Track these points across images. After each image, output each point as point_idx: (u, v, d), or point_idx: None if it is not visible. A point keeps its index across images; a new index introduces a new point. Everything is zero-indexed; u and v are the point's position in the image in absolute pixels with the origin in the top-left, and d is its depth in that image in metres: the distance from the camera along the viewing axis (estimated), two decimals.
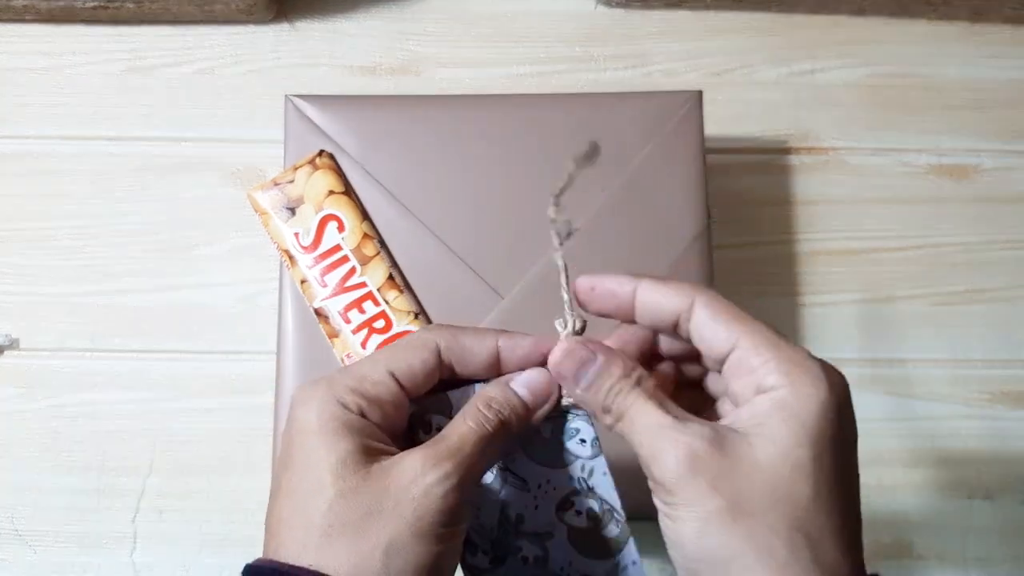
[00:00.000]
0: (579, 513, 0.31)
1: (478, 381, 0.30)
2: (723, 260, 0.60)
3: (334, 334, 0.49)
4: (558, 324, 0.30)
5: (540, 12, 0.64)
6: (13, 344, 0.58)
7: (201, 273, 0.59)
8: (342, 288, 0.49)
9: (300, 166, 0.50)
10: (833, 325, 0.60)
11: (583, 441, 0.31)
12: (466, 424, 0.28)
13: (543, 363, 0.30)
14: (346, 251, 0.49)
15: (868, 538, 0.59)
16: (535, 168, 0.51)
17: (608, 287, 0.29)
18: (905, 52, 0.64)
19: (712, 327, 0.27)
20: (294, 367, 0.49)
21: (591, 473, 0.31)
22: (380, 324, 0.48)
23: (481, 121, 0.51)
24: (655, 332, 0.30)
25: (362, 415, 0.27)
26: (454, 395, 0.30)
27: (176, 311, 0.59)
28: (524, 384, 0.29)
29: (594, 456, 0.31)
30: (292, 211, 0.50)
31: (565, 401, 0.30)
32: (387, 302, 0.49)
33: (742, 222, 0.61)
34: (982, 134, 0.63)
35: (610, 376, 0.28)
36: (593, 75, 0.63)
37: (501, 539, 0.31)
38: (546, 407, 0.30)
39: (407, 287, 0.50)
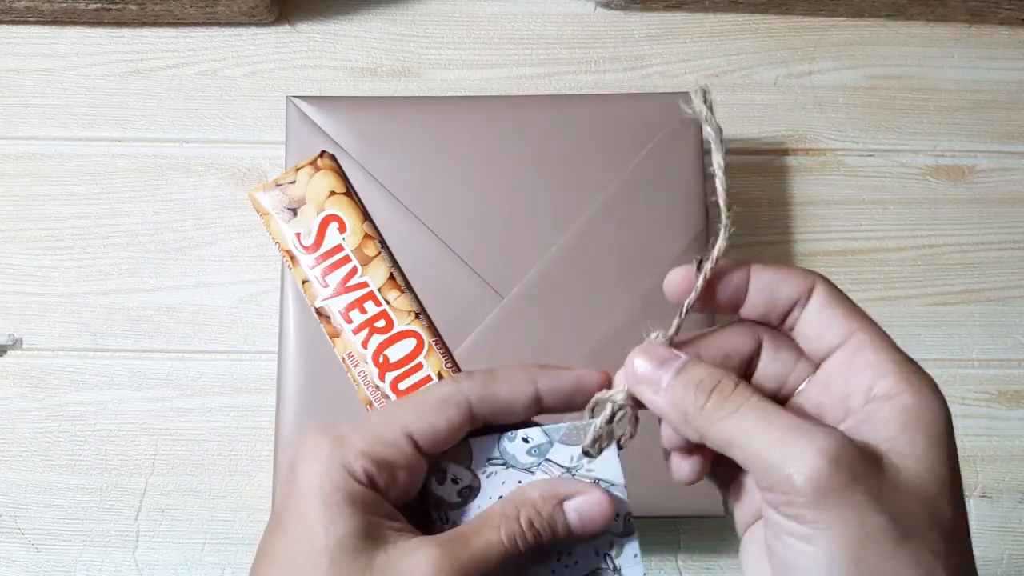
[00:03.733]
0: None
1: (507, 433, 0.27)
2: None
3: (335, 334, 0.49)
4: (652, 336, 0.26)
5: (540, 14, 0.64)
6: (16, 344, 0.58)
7: (203, 273, 0.59)
8: (343, 288, 0.49)
9: (302, 167, 0.50)
10: None
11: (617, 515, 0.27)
12: (497, 534, 0.24)
13: (587, 399, 0.27)
14: (347, 251, 0.50)
15: None
16: (535, 169, 0.51)
17: (720, 268, 0.25)
18: (902, 54, 0.64)
19: (828, 314, 0.24)
20: (295, 367, 0.50)
21: (621, 550, 0.27)
22: (381, 324, 0.49)
23: (481, 122, 0.51)
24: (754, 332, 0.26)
25: (371, 483, 0.24)
26: (476, 444, 0.27)
27: (178, 311, 0.59)
28: (577, 509, 0.26)
29: (626, 534, 0.27)
30: (294, 212, 0.50)
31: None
32: (388, 302, 0.49)
33: (740, 223, 0.60)
34: (979, 135, 0.63)
35: (705, 369, 0.24)
36: (592, 77, 0.63)
37: None
38: (591, 535, 0.26)
39: (408, 287, 0.50)
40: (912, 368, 0.24)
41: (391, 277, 0.50)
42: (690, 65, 0.64)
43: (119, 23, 0.63)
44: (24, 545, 0.56)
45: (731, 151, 0.63)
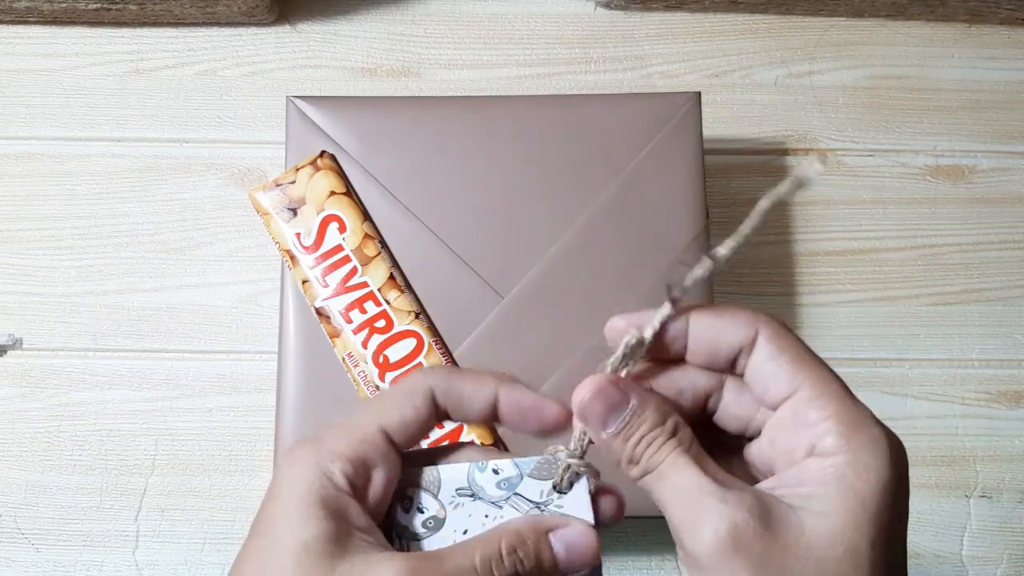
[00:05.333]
0: None
1: (476, 463, 0.26)
2: None
3: (335, 334, 0.49)
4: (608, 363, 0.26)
5: (540, 14, 0.64)
6: (16, 344, 0.58)
7: (203, 273, 0.59)
8: (343, 288, 0.49)
9: (302, 167, 0.50)
10: (831, 325, 0.60)
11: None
12: (471, 559, 0.24)
13: (542, 425, 0.26)
14: (347, 251, 0.50)
15: None
16: (535, 169, 0.51)
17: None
18: (902, 54, 0.64)
19: (774, 366, 0.24)
20: (295, 366, 0.50)
21: None
22: (381, 324, 0.49)
23: (481, 122, 0.51)
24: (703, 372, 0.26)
25: (350, 485, 0.24)
26: (446, 472, 0.26)
27: (178, 311, 0.59)
28: (564, 541, 0.25)
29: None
30: (294, 212, 0.50)
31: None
32: (388, 302, 0.49)
33: (740, 222, 0.61)
34: (979, 135, 0.63)
35: (643, 423, 0.24)
36: (592, 77, 0.63)
37: None
38: (580, 571, 0.25)
39: (408, 287, 0.50)
40: (858, 425, 0.23)
41: (391, 277, 0.50)
42: (690, 65, 0.64)
43: (119, 23, 0.63)
44: (24, 545, 0.56)
45: (732, 151, 0.63)
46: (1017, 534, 0.58)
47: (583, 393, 0.25)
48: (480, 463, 0.26)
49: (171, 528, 0.56)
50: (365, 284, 0.49)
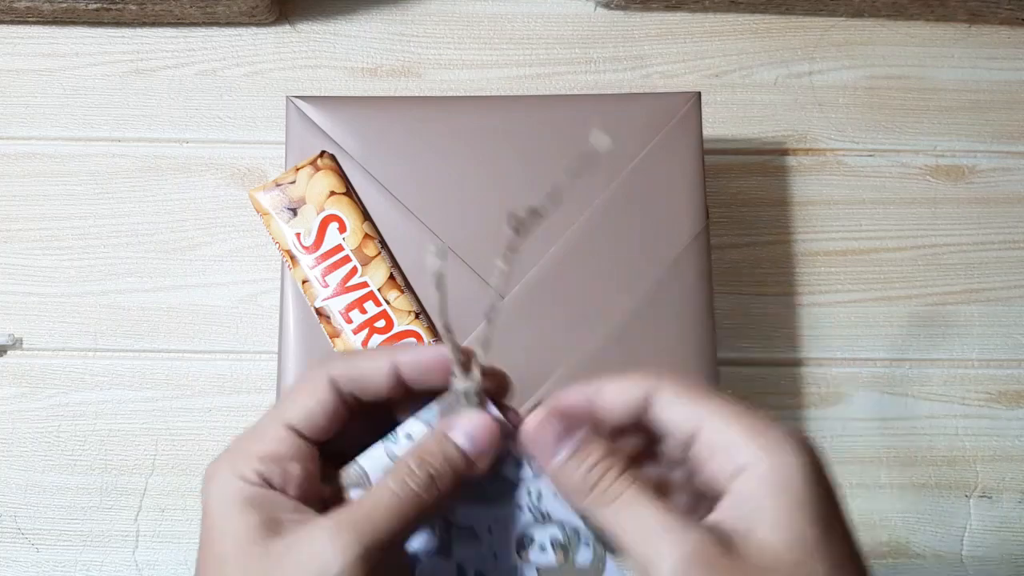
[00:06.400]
0: (543, 548, 0.27)
1: (387, 438, 0.27)
2: (722, 260, 0.60)
3: (335, 334, 0.49)
4: (457, 383, 0.27)
5: (540, 14, 0.64)
6: (16, 344, 0.58)
7: (203, 273, 0.59)
8: (343, 288, 0.49)
9: (302, 167, 0.50)
10: (831, 325, 0.60)
11: (519, 463, 0.28)
12: (387, 485, 0.25)
13: (447, 374, 0.27)
14: (347, 251, 0.50)
15: (866, 537, 0.59)
16: (534, 169, 0.51)
17: (566, 406, 0.27)
18: (902, 54, 0.64)
19: (677, 408, 0.26)
20: (295, 367, 0.50)
21: (540, 497, 0.27)
22: (381, 324, 0.49)
23: (481, 122, 0.51)
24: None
25: (267, 484, 0.25)
26: (365, 462, 0.27)
27: (178, 311, 0.59)
28: (464, 432, 0.26)
29: (537, 476, 0.27)
30: (294, 212, 0.50)
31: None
32: (388, 302, 0.49)
33: (740, 222, 0.61)
34: (979, 135, 0.63)
35: (596, 450, 0.25)
36: (592, 77, 0.63)
37: None
38: (489, 457, 0.26)
39: (408, 287, 0.50)
40: (763, 432, 0.24)
41: (391, 277, 0.50)
42: (690, 65, 0.64)
43: (119, 23, 0.63)
44: (24, 545, 0.56)
45: (732, 151, 0.63)
46: (1017, 534, 0.58)
47: (536, 417, 0.26)
48: (391, 435, 0.27)
49: (171, 528, 0.56)
50: (365, 284, 0.49)
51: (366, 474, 0.27)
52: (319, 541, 0.23)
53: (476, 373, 0.27)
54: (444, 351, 0.27)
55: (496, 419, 0.27)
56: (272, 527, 0.24)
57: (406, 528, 0.25)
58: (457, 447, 0.26)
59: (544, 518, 0.27)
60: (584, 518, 0.27)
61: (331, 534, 0.23)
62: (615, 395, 0.27)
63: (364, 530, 0.23)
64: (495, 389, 0.28)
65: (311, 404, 0.26)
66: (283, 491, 0.25)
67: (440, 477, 0.25)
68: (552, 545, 0.27)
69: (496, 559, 0.27)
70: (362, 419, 0.27)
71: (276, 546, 0.23)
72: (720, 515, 0.24)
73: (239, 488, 0.25)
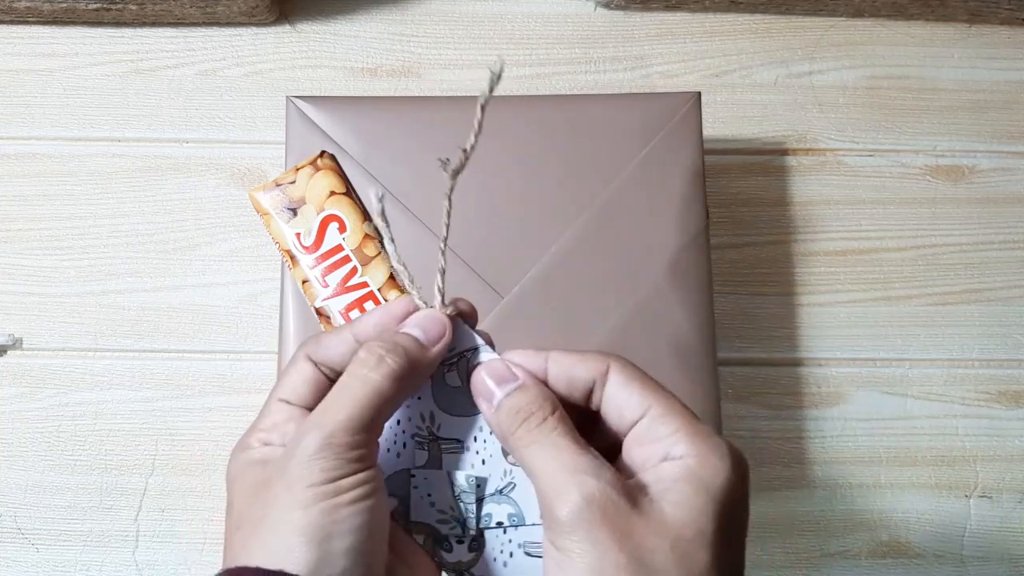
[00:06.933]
0: None
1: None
2: (722, 260, 0.60)
3: None
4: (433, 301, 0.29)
5: (540, 14, 0.64)
6: (16, 344, 0.58)
7: (203, 273, 0.59)
8: (343, 288, 0.49)
9: (302, 167, 0.50)
10: (831, 325, 0.60)
11: None
12: (341, 379, 0.27)
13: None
14: (347, 251, 0.50)
15: (866, 537, 0.59)
16: (534, 169, 0.51)
17: (518, 364, 0.28)
18: (902, 54, 0.64)
19: (625, 393, 0.27)
20: None
21: None
22: None
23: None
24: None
25: (267, 446, 0.28)
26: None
27: (178, 311, 0.59)
28: (414, 324, 0.28)
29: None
30: (294, 212, 0.50)
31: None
32: (388, 302, 0.49)
33: (740, 222, 0.61)
34: (978, 135, 0.63)
35: (527, 396, 0.27)
36: (592, 77, 0.63)
37: (467, 517, 0.29)
38: (441, 343, 0.28)
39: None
40: (703, 435, 0.26)
41: (391, 277, 0.50)
42: (690, 65, 0.64)
43: (119, 23, 0.63)
44: (24, 545, 0.56)
45: (732, 151, 0.63)
46: (1017, 534, 0.58)
47: (479, 374, 0.28)
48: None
49: (171, 528, 0.56)
50: (365, 284, 0.49)
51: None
52: (296, 437, 0.26)
53: (438, 297, 0.29)
54: (392, 307, 0.30)
55: (450, 316, 0.29)
56: (269, 461, 0.27)
57: (366, 411, 0.26)
58: (409, 335, 0.28)
59: None
60: (513, 462, 0.29)
61: (306, 427, 0.26)
62: (565, 368, 0.28)
63: (322, 421, 0.26)
64: (463, 313, 0.30)
65: (296, 379, 0.29)
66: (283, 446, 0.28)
67: (392, 355, 0.27)
68: None
69: (484, 464, 0.29)
70: None
71: (276, 457, 0.27)
72: (636, 481, 0.26)
73: (247, 456, 0.28)
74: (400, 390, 0.27)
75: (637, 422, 0.27)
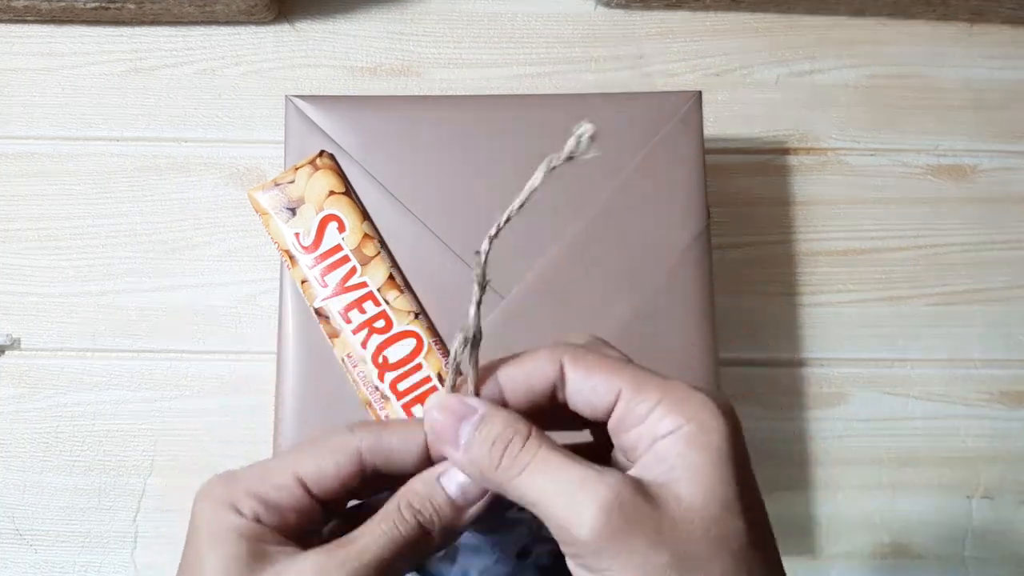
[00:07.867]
0: (540, 557, 0.28)
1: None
2: (723, 260, 0.60)
3: (334, 334, 0.49)
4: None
5: (540, 13, 0.64)
6: (14, 344, 0.58)
7: (202, 273, 0.59)
8: (342, 288, 0.49)
9: (301, 166, 0.50)
10: (832, 325, 0.60)
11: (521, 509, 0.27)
12: (378, 526, 0.24)
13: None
14: (346, 251, 0.49)
15: (867, 538, 0.59)
16: (534, 169, 0.51)
17: (468, 394, 0.26)
18: (904, 53, 0.64)
19: (589, 385, 0.25)
20: (294, 367, 0.49)
21: (541, 527, 0.26)
22: (380, 324, 0.49)
23: (481, 122, 0.51)
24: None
25: (257, 521, 0.24)
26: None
27: (177, 311, 0.59)
28: (455, 481, 0.25)
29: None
30: (293, 211, 0.50)
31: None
32: (387, 302, 0.49)
33: (741, 222, 0.61)
34: (981, 135, 0.63)
35: (495, 426, 0.24)
36: (592, 76, 0.63)
37: None
38: (479, 505, 0.26)
39: (407, 287, 0.50)
40: (684, 398, 0.24)
41: (391, 277, 0.49)
42: (690, 64, 0.63)
43: (117, 22, 0.63)
44: (22, 546, 0.56)
45: (733, 151, 0.62)
46: (1019, 535, 0.57)
47: (430, 415, 0.25)
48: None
49: (170, 529, 0.56)
50: (364, 284, 0.49)
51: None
52: (309, 570, 0.23)
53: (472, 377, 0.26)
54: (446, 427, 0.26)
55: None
56: (259, 556, 0.24)
57: (394, 566, 0.24)
58: (446, 494, 0.25)
59: (546, 540, 0.27)
60: (508, 504, 0.26)
61: (318, 567, 0.23)
62: (520, 383, 0.26)
63: (352, 567, 0.23)
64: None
65: (328, 468, 0.25)
66: (276, 531, 0.25)
67: (427, 523, 0.25)
68: (549, 555, 0.28)
69: (496, 564, 0.28)
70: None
71: (263, 574, 0.23)
72: (637, 471, 0.24)
73: (227, 517, 0.24)
74: (422, 551, 0.25)
75: (612, 410, 0.25)
